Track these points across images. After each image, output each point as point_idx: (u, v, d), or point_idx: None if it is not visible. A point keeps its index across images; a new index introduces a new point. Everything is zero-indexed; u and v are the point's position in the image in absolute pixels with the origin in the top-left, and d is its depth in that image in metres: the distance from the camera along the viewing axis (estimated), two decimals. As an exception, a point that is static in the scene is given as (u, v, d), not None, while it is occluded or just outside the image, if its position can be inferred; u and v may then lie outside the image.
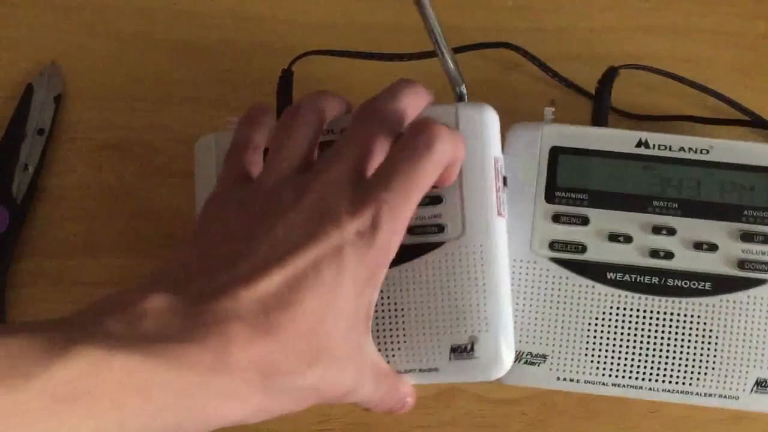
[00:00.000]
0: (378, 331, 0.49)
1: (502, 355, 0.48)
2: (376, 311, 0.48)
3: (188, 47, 0.63)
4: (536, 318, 0.51)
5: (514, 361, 0.51)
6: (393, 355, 0.49)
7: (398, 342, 0.49)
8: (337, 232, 0.40)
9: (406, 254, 0.48)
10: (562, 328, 0.51)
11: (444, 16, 0.62)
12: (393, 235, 0.42)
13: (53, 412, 0.34)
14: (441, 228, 0.49)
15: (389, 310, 0.49)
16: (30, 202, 0.59)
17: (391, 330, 0.49)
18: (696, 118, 0.59)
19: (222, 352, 0.37)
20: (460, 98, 0.52)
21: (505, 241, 0.50)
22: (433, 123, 0.43)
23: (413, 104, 0.47)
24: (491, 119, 0.51)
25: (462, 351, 0.48)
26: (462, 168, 0.49)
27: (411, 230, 0.48)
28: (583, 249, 0.52)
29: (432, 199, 0.49)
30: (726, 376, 0.51)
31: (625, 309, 0.51)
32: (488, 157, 0.50)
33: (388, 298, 0.49)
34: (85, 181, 0.60)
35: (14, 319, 0.58)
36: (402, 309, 0.49)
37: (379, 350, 0.48)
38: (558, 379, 0.51)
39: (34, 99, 0.60)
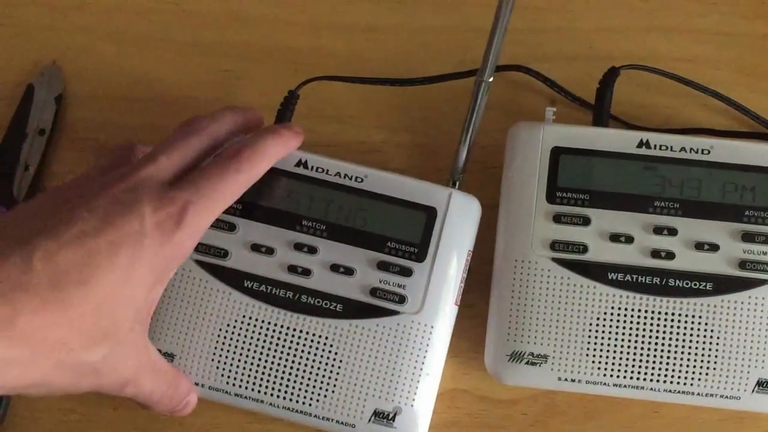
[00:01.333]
0: (310, 373, 0.50)
1: (418, 430, 0.51)
2: (314, 355, 0.50)
3: (188, 47, 0.63)
4: (537, 318, 0.51)
5: (515, 362, 0.51)
6: (316, 400, 0.50)
7: (326, 389, 0.50)
8: (137, 221, 0.42)
9: (360, 311, 0.51)
10: (563, 328, 0.51)
11: (443, 15, 0.63)
12: (192, 236, 0.44)
13: None
14: (402, 299, 0.51)
15: (328, 358, 0.50)
16: (30, 203, 0.59)
17: (323, 376, 0.50)
18: (708, 131, 0.59)
19: (8, 320, 0.37)
20: (454, 184, 0.54)
21: (451, 328, 0.52)
22: (249, 148, 0.47)
23: (233, 128, 0.50)
24: (477, 213, 0.53)
25: (383, 417, 0.50)
26: (438, 252, 0.51)
27: (373, 292, 0.51)
28: (584, 249, 0.52)
29: (403, 269, 0.51)
30: (727, 376, 0.51)
31: (626, 309, 0.51)
32: (464, 250, 0.52)
33: (331, 346, 0.50)
34: (86, 182, 0.60)
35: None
36: (340, 361, 0.50)
37: (305, 392, 0.50)
38: (559, 379, 0.51)
39: (35, 99, 0.60)
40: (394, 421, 0.50)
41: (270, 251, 0.52)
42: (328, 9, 0.63)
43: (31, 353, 0.39)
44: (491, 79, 0.49)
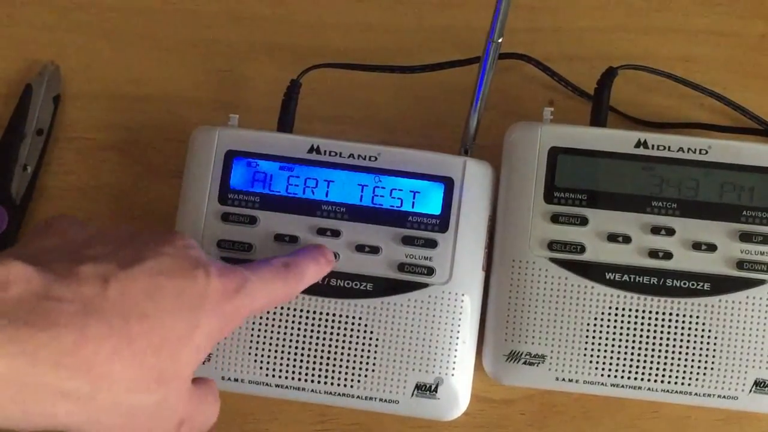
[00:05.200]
0: (348, 355, 0.51)
1: (460, 399, 0.52)
2: (350, 336, 0.51)
3: (188, 47, 0.63)
4: (535, 318, 0.51)
5: (513, 362, 0.51)
6: (357, 382, 0.51)
7: (365, 369, 0.51)
8: (203, 279, 0.41)
9: (391, 288, 0.52)
10: (561, 328, 0.51)
11: (444, 16, 0.63)
12: (245, 308, 0.44)
13: None
14: (430, 271, 0.52)
15: (364, 338, 0.51)
16: (29, 203, 0.59)
17: (361, 356, 0.51)
18: (704, 125, 0.59)
19: (73, 347, 0.35)
20: (466, 152, 0.54)
21: (481, 295, 0.53)
22: (304, 268, 0.49)
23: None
24: (492, 178, 0.54)
25: (426, 389, 0.51)
26: (459, 220, 0.52)
27: (401, 267, 0.52)
28: (582, 249, 0.52)
29: (428, 242, 0.52)
30: (725, 376, 0.51)
31: (624, 309, 0.51)
32: (484, 215, 0.53)
33: (365, 326, 0.51)
34: (84, 181, 0.60)
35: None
36: (376, 339, 0.51)
37: (345, 375, 0.51)
38: (557, 379, 0.51)
39: (33, 99, 0.60)
40: (436, 392, 0.51)
41: (294, 239, 0.52)
42: (329, 8, 0.63)
43: (91, 388, 0.36)
44: (501, 40, 0.48)
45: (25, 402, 0.35)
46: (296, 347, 0.51)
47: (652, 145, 0.52)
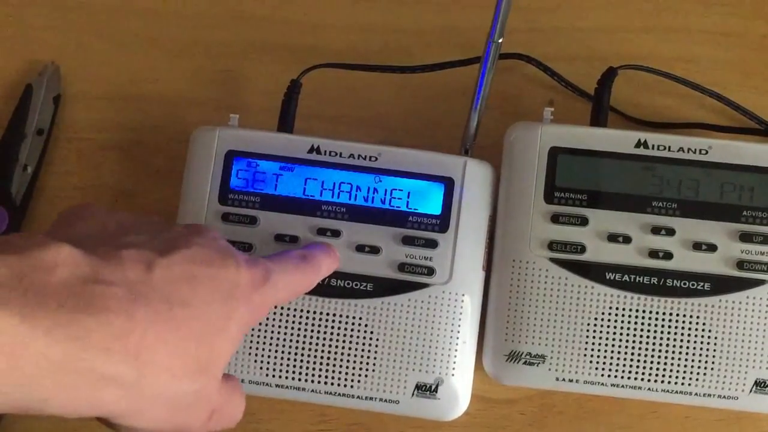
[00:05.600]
0: (349, 356, 0.51)
1: (460, 400, 0.52)
2: (350, 336, 0.51)
3: (189, 47, 0.63)
4: (535, 318, 0.51)
5: (513, 362, 0.51)
6: (357, 382, 0.51)
7: (366, 369, 0.51)
8: (234, 268, 0.42)
9: (391, 288, 0.52)
10: (561, 328, 0.51)
11: (443, 16, 0.63)
12: (272, 297, 0.44)
13: None
14: (431, 271, 0.52)
15: (364, 338, 0.51)
16: (29, 203, 0.59)
17: (361, 356, 0.51)
18: (705, 126, 0.59)
19: (125, 332, 0.35)
20: (466, 152, 0.54)
21: (481, 295, 0.53)
22: (321, 260, 0.49)
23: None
24: (492, 178, 0.54)
25: (426, 390, 0.51)
26: (459, 220, 0.52)
27: (401, 267, 0.52)
28: (582, 249, 0.52)
29: (428, 242, 0.52)
30: (725, 376, 0.51)
31: (624, 309, 0.51)
32: (484, 215, 0.53)
33: (366, 326, 0.51)
34: (85, 182, 0.60)
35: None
36: (377, 339, 0.51)
37: (345, 375, 0.51)
38: (557, 379, 0.51)
39: (34, 99, 0.60)
40: (436, 392, 0.51)
41: (294, 239, 0.52)
42: (329, 8, 0.63)
43: (137, 375, 0.36)
44: (501, 40, 0.48)
45: (74, 388, 0.34)
46: (297, 347, 0.51)
47: (653, 145, 0.52)
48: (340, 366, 0.51)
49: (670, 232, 0.52)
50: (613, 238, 0.52)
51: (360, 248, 0.52)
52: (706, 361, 0.51)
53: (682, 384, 0.51)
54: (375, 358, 0.51)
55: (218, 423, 0.43)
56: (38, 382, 0.33)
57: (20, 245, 0.35)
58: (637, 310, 0.51)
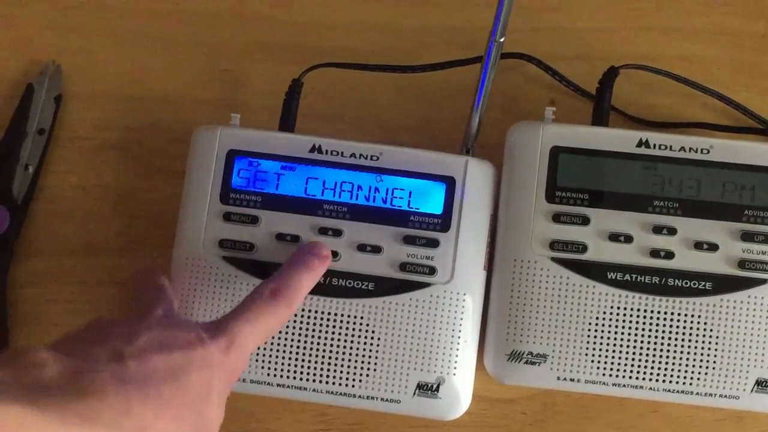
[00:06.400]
0: (350, 355, 0.51)
1: (461, 399, 0.52)
2: (352, 336, 0.51)
3: (190, 47, 0.63)
4: (536, 318, 0.51)
5: (515, 361, 0.51)
6: (359, 381, 0.51)
7: (367, 369, 0.51)
8: (200, 344, 0.44)
9: (393, 288, 0.52)
10: (563, 327, 0.51)
11: (443, 16, 0.63)
12: (241, 364, 0.46)
13: None
14: (432, 270, 0.52)
15: (366, 338, 0.51)
16: (30, 202, 0.59)
17: (363, 356, 0.51)
18: (706, 125, 0.59)
19: (125, 410, 0.39)
20: (467, 151, 0.54)
21: (483, 294, 0.53)
22: (285, 287, 0.48)
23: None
24: (493, 177, 0.54)
25: (427, 389, 0.51)
26: (461, 220, 0.52)
27: (403, 267, 0.52)
28: (583, 249, 0.52)
29: (429, 241, 0.52)
30: (726, 376, 0.51)
31: (625, 309, 0.51)
32: (485, 214, 0.53)
33: (367, 325, 0.51)
34: (85, 181, 0.60)
35: (15, 319, 0.58)
36: (378, 338, 0.51)
37: (347, 374, 0.51)
38: (558, 378, 0.51)
39: (35, 99, 0.60)
40: (438, 391, 0.51)
41: (295, 239, 0.52)
42: (330, 8, 0.63)
43: None
44: (503, 40, 0.48)
45: None
46: (298, 347, 0.51)
47: (654, 145, 0.52)
48: (342, 365, 0.51)
49: (672, 231, 0.52)
50: (614, 237, 0.52)
51: (361, 248, 0.52)
52: (707, 361, 0.51)
53: (684, 383, 0.51)
54: (376, 358, 0.51)
55: None
56: None
57: (3, 356, 0.39)
58: (638, 310, 0.51)
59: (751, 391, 0.51)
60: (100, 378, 0.39)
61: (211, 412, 0.43)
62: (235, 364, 0.45)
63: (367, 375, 0.51)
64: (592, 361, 0.51)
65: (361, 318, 0.51)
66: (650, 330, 0.51)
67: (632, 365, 0.51)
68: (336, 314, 0.52)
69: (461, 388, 0.52)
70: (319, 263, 0.51)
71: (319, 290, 0.51)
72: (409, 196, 0.53)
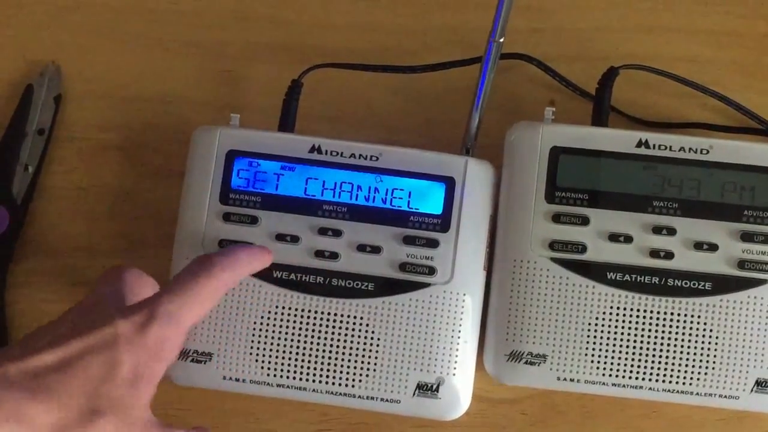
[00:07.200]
0: (350, 355, 0.51)
1: (461, 399, 0.52)
2: (352, 336, 0.51)
3: (189, 47, 0.63)
4: (536, 318, 0.51)
5: (514, 362, 0.51)
6: (359, 381, 0.51)
7: (367, 369, 0.51)
8: (108, 325, 0.43)
9: (392, 288, 0.52)
10: (562, 328, 0.51)
11: (443, 16, 0.63)
12: (167, 336, 0.45)
13: None
14: (432, 270, 0.52)
15: (365, 338, 0.51)
16: (30, 202, 0.59)
17: (362, 356, 0.51)
18: (706, 125, 0.59)
19: (15, 410, 0.40)
20: (467, 152, 0.54)
21: (482, 294, 0.53)
22: (220, 254, 0.49)
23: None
24: (493, 178, 0.54)
25: (427, 389, 0.51)
26: (460, 220, 0.52)
27: (403, 267, 0.52)
28: (583, 249, 0.52)
29: (429, 241, 0.52)
30: (726, 376, 0.51)
31: (625, 309, 0.51)
32: (485, 215, 0.53)
33: (367, 326, 0.51)
34: (85, 181, 0.60)
35: (14, 319, 0.58)
36: (378, 339, 0.51)
37: (347, 374, 0.51)
38: (558, 379, 0.51)
39: (35, 99, 0.60)
40: (437, 391, 0.51)
41: (295, 239, 0.52)
42: (329, 8, 0.63)
43: None
44: (502, 40, 0.48)
45: None
46: (297, 347, 0.51)
47: (654, 145, 0.52)
48: (341, 366, 0.51)
49: (671, 231, 0.52)
50: (614, 237, 0.52)
51: (361, 248, 0.52)
52: (707, 361, 0.51)
53: (683, 383, 0.51)
54: (376, 358, 0.51)
55: None
56: None
57: None
58: (638, 310, 0.51)
59: (751, 391, 0.51)
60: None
61: (116, 392, 0.43)
62: (158, 337, 0.44)
63: (367, 375, 0.51)
64: (592, 362, 0.51)
65: (361, 318, 0.51)
66: (650, 330, 0.51)
67: (632, 365, 0.51)
68: (336, 314, 0.52)
69: (461, 389, 0.52)
70: (260, 251, 0.51)
71: (318, 290, 0.51)
72: (409, 197, 0.53)
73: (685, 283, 0.51)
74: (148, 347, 0.44)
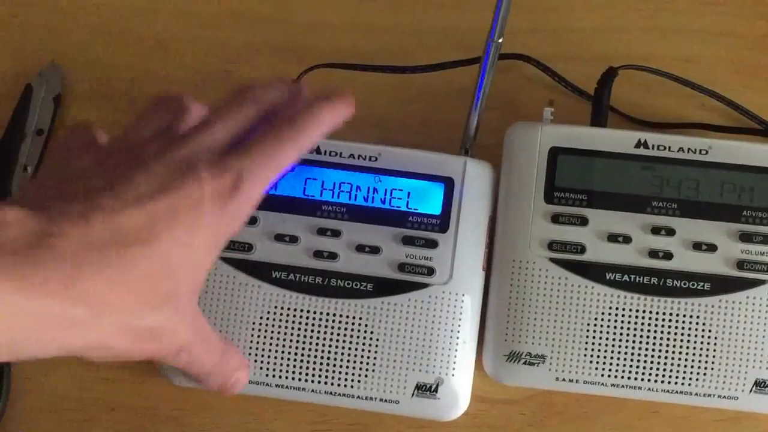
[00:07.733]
0: (349, 356, 0.51)
1: (460, 400, 0.52)
2: (351, 336, 0.51)
3: (189, 47, 0.63)
4: (535, 318, 0.51)
5: (513, 362, 0.51)
6: (357, 382, 0.51)
7: (366, 369, 0.51)
8: (196, 188, 0.40)
9: (391, 288, 0.52)
10: (561, 328, 0.51)
11: (444, 16, 0.63)
12: (247, 203, 0.42)
13: None
14: (431, 271, 0.52)
15: (364, 338, 0.51)
16: (29, 203, 0.59)
17: (361, 356, 0.51)
18: (705, 126, 0.59)
19: (70, 279, 0.37)
20: (466, 152, 0.54)
21: (481, 295, 0.53)
22: (304, 117, 0.45)
23: (285, 97, 0.47)
24: (492, 179, 0.54)
25: (426, 390, 0.51)
26: (459, 220, 0.52)
27: (401, 267, 0.52)
28: (582, 249, 0.52)
29: (428, 242, 0.52)
30: (725, 376, 0.51)
31: (624, 309, 0.51)
32: (484, 215, 0.53)
33: (366, 326, 0.51)
34: (85, 182, 0.60)
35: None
36: (377, 339, 0.51)
37: (345, 375, 0.51)
38: (557, 379, 0.51)
39: (34, 99, 0.60)
40: (437, 392, 0.51)
41: (294, 239, 0.52)
42: (329, 8, 0.63)
43: (93, 314, 0.38)
44: (501, 40, 0.48)
45: (42, 331, 0.37)
46: (296, 347, 0.51)
47: (653, 145, 0.52)
48: (340, 366, 0.51)
49: (670, 232, 0.52)
50: (613, 238, 0.52)
51: (360, 248, 0.52)
52: (706, 361, 0.51)
53: (682, 384, 0.51)
54: (375, 358, 0.51)
55: (190, 363, 0.45)
56: (4, 327, 0.36)
57: None
58: (637, 310, 0.51)
59: (750, 391, 0.51)
60: (60, 245, 0.37)
61: (186, 276, 0.41)
62: (236, 213, 0.42)
63: (366, 375, 0.51)
64: (591, 362, 0.51)
65: (360, 318, 0.51)
66: (649, 330, 0.51)
67: (631, 366, 0.51)
68: (335, 315, 0.52)
69: (460, 389, 0.52)
70: (342, 104, 0.47)
71: (317, 291, 0.52)
72: (408, 197, 0.53)
73: (684, 284, 0.51)
74: (225, 221, 0.41)
